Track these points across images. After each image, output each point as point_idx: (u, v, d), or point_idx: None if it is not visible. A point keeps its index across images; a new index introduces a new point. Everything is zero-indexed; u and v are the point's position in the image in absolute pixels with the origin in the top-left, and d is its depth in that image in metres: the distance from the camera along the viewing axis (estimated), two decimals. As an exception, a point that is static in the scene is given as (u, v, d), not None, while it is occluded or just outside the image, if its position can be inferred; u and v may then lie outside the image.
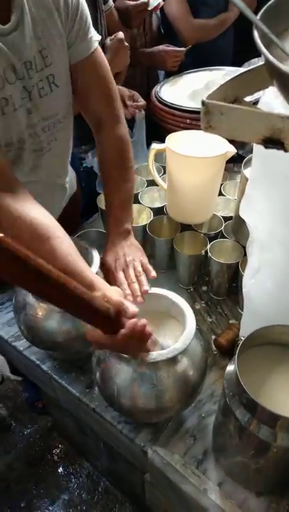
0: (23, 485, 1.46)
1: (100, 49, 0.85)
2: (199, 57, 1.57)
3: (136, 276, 0.79)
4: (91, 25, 0.82)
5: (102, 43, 1.19)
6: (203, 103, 0.36)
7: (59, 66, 0.79)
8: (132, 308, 0.57)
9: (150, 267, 0.82)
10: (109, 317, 0.52)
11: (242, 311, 0.90)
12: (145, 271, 0.81)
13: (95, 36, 0.83)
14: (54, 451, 1.54)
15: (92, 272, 0.64)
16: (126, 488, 1.33)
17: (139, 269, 0.81)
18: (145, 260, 0.84)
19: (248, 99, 0.45)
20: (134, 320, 0.55)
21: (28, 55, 0.72)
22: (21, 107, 0.75)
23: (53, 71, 0.78)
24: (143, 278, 0.79)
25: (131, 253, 0.84)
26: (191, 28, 1.58)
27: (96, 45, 0.83)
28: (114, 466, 1.19)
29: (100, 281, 0.62)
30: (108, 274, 0.82)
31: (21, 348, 0.87)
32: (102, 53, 0.86)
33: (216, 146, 0.87)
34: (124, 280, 0.79)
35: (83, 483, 1.45)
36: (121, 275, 0.80)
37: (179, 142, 0.88)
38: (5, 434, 1.61)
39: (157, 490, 0.77)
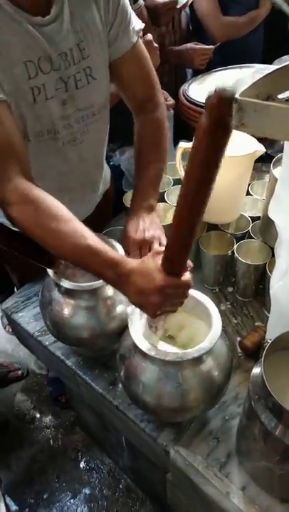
0: (45, 477, 1.48)
1: (140, 40, 0.86)
2: (228, 55, 1.55)
3: None
4: (132, 16, 0.84)
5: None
6: (235, 100, 0.35)
7: (96, 59, 0.80)
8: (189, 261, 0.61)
9: None
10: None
11: (268, 313, 0.88)
12: None
13: (137, 25, 0.84)
14: (76, 445, 1.56)
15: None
16: (147, 487, 1.33)
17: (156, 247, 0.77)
18: (164, 241, 0.78)
19: (280, 96, 0.44)
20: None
21: (65, 47, 0.74)
22: (55, 98, 0.77)
23: (90, 64, 0.79)
24: None
25: (151, 229, 0.80)
26: (221, 26, 1.56)
27: (137, 36, 0.84)
28: (136, 464, 1.20)
29: None
30: (128, 243, 0.79)
31: (46, 343, 0.89)
32: (144, 48, 0.87)
33: (244, 145, 0.85)
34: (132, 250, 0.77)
35: (105, 479, 1.46)
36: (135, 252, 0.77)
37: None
38: (29, 426, 1.64)
39: (179, 490, 0.77)
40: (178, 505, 0.85)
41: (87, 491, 1.44)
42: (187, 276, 0.60)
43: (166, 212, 1.02)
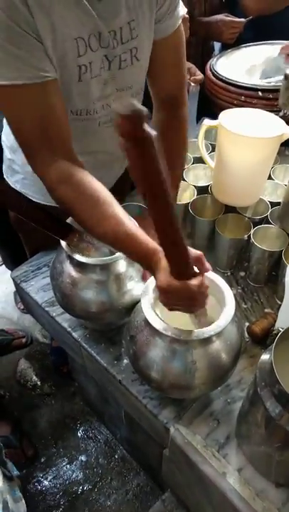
0: (43, 442, 1.53)
1: (181, 25, 0.82)
2: (260, 31, 1.47)
3: None
4: (180, 1, 0.80)
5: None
6: (286, 77, 0.33)
7: (144, 40, 0.77)
8: (208, 264, 0.59)
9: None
10: (189, 260, 0.54)
11: (279, 301, 0.87)
12: None
13: (182, 11, 0.80)
14: (75, 415, 1.60)
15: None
16: (142, 459, 1.37)
17: None
18: None
19: None
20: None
21: (116, 25, 0.70)
22: (98, 77, 0.74)
23: (137, 44, 0.76)
24: None
25: None
26: None
27: (180, 21, 0.81)
28: (133, 437, 1.22)
29: None
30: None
31: (54, 314, 0.89)
32: (182, 29, 0.83)
33: (271, 127, 0.82)
34: None
35: (101, 448, 1.50)
36: None
37: (232, 120, 0.84)
38: (30, 393, 1.68)
39: (175, 466, 0.78)
40: (172, 480, 0.87)
41: (83, 458, 1.48)
42: (195, 281, 0.56)
43: (183, 190, 1.00)
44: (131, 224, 0.63)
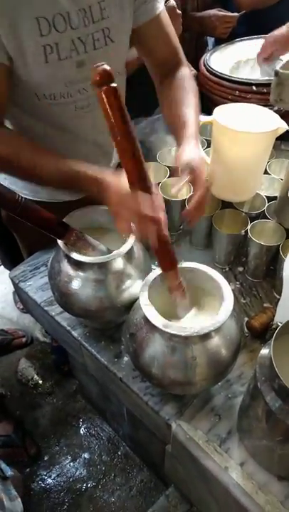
0: (47, 441, 1.53)
1: (165, 12, 0.85)
2: (253, 25, 1.47)
3: None
4: None
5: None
6: (276, 73, 0.33)
7: (116, 22, 0.77)
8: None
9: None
10: (146, 175, 0.62)
11: (278, 295, 0.87)
12: None
13: None
14: (77, 413, 1.60)
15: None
16: (145, 456, 1.38)
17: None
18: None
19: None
20: None
21: (84, 2, 0.71)
22: (69, 59, 0.74)
23: (109, 25, 0.76)
24: None
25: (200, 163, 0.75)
26: None
27: (162, 6, 0.84)
28: (136, 433, 1.23)
29: None
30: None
31: (53, 314, 0.89)
32: (168, 16, 0.86)
33: (266, 122, 0.82)
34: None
35: (104, 445, 1.51)
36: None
37: (227, 115, 0.84)
38: (32, 392, 1.68)
39: (177, 462, 0.79)
40: (175, 476, 0.88)
41: (86, 455, 1.49)
42: (146, 195, 0.61)
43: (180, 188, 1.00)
44: (71, 160, 0.71)
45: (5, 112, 0.78)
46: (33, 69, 0.72)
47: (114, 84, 0.52)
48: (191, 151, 0.76)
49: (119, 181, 0.65)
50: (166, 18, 0.86)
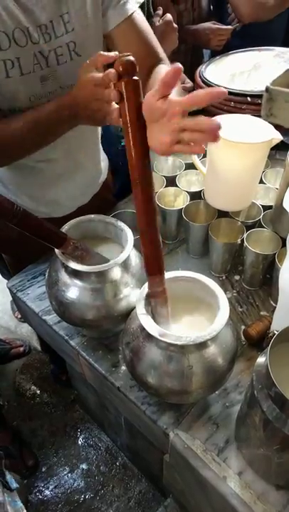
0: (44, 451, 1.52)
1: (139, 13, 0.81)
2: (247, 38, 1.50)
3: None
4: None
5: (150, 22, 1.15)
6: (267, 89, 0.34)
7: (83, 34, 0.75)
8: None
9: None
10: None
11: (275, 303, 0.88)
12: None
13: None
14: (75, 423, 1.59)
15: None
16: (143, 466, 1.36)
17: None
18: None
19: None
20: None
21: (44, 19, 0.70)
22: (32, 73, 0.73)
23: (74, 38, 0.74)
24: None
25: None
26: (252, 5, 1.44)
27: (135, 7, 0.80)
28: (134, 443, 1.22)
29: None
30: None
31: (51, 323, 0.89)
32: (142, 16, 0.82)
33: (261, 132, 0.83)
34: None
35: (102, 456, 1.50)
36: None
37: (223, 126, 0.85)
38: (29, 402, 1.67)
39: (176, 472, 0.78)
40: (173, 486, 0.87)
41: (84, 466, 1.48)
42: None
43: (176, 196, 1.01)
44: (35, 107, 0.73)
45: None
46: None
47: (136, 78, 0.51)
48: None
49: (78, 84, 0.68)
50: (139, 18, 0.81)
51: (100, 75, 0.62)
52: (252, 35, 1.52)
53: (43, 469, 1.48)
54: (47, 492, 1.43)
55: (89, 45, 0.78)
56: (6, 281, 1.10)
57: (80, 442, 1.54)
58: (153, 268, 0.62)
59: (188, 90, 1.25)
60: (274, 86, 0.35)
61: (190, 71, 1.48)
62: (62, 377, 1.68)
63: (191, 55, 1.62)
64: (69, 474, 1.47)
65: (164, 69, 0.82)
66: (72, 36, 0.74)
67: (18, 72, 0.72)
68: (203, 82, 1.27)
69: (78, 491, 1.42)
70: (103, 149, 1.10)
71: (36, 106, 0.76)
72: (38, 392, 1.70)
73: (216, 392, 0.74)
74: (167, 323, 0.66)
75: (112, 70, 0.55)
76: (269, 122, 0.69)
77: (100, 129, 1.00)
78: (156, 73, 0.83)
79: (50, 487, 1.44)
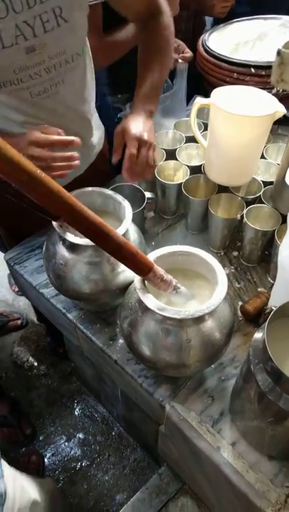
0: (42, 421, 1.56)
1: None
2: (253, 6, 1.43)
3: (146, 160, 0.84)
4: None
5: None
6: (278, 53, 0.32)
7: None
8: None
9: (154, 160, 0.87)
10: None
11: (272, 280, 0.88)
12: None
13: None
14: (72, 394, 1.63)
15: None
16: (139, 436, 1.40)
17: (151, 154, 0.85)
18: (152, 151, 0.86)
19: None
20: None
21: None
22: (15, 46, 0.70)
23: (60, 3, 0.71)
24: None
25: (150, 135, 0.84)
26: None
27: None
28: (130, 414, 1.25)
29: None
30: (118, 136, 0.84)
31: (48, 296, 0.89)
32: None
33: (264, 105, 0.81)
34: (135, 151, 0.82)
35: (98, 426, 1.53)
36: (134, 144, 0.82)
37: (225, 98, 0.83)
38: (27, 373, 1.70)
39: (171, 442, 0.80)
40: (168, 455, 0.90)
41: (80, 435, 1.52)
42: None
43: (176, 170, 1.00)
44: None
45: None
46: None
47: None
48: (129, 118, 0.85)
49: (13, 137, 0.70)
50: None
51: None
52: (257, 3, 1.46)
53: (41, 438, 1.52)
54: (44, 459, 1.47)
55: (75, 9, 0.74)
56: (2, 254, 1.10)
57: (76, 413, 1.58)
58: (141, 271, 0.60)
59: (188, 60, 1.21)
60: (287, 49, 0.33)
61: (192, 39, 1.43)
62: (60, 350, 1.70)
63: (193, 23, 1.56)
64: (66, 443, 1.51)
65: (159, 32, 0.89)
66: (58, 1, 0.71)
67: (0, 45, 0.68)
68: (206, 51, 1.22)
69: (75, 458, 1.47)
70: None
71: (22, 78, 0.75)
72: (36, 364, 1.73)
73: (212, 366, 0.75)
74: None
75: None
76: (278, 89, 0.67)
77: (93, 97, 0.98)
78: (152, 34, 0.89)
79: (48, 455, 1.48)
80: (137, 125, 0.83)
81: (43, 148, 0.70)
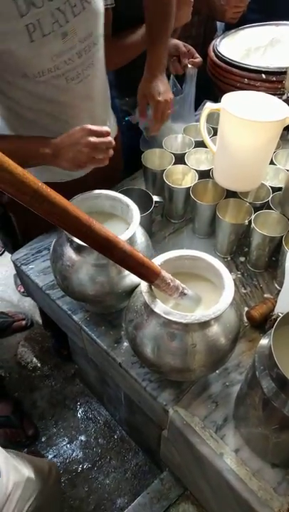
0: (44, 422, 1.56)
1: None
2: (265, 12, 1.43)
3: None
4: None
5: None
6: None
7: None
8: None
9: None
10: None
11: (279, 286, 0.88)
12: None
13: None
14: (75, 396, 1.62)
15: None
16: (141, 440, 1.40)
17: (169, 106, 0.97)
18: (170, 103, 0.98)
19: None
20: None
21: None
22: (53, 32, 0.74)
23: None
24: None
25: (168, 93, 0.98)
26: None
27: None
28: (132, 418, 1.24)
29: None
30: (143, 100, 0.98)
31: (54, 297, 0.89)
32: None
33: (274, 111, 0.81)
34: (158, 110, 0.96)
35: (100, 429, 1.53)
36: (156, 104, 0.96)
37: (235, 103, 0.83)
38: (30, 374, 1.70)
39: (173, 447, 0.80)
40: (170, 460, 0.89)
41: (83, 438, 1.51)
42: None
43: (184, 175, 1.00)
44: (15, 136, 0.84)
45: None
46: (19, 51, 0.71)
47: None
48: (147, 81, 0.97)
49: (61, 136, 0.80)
50: None
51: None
52: (269, 10, 1.45)
53: (43, 439, 1.52)
54: (46, 461, 1.47)
55: None
56: (9, 255, 1.10)
57: (79, 415, 1.57)
58: (149, 279, 0.60)
59: (197, 65, 1.21)
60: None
61: (202, 44, 1.43)
62: (64, 352, 1.70)
63: (204, 28, 1.56)
64: (68, 445, 1.50)
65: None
66: None
67: (40, 34, 0.72)
68: (217, 56, 1.22)
69: (77, 461, 1.46)
70: None
71: (58, 64, 0.79)
72: (39, 365, 1.73)
73: (217, 372, 0.75)
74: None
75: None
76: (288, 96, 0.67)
77: (108, 93, 1.03)
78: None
79: (50, 456, 1.48)
80: (157, 88, 0.96)
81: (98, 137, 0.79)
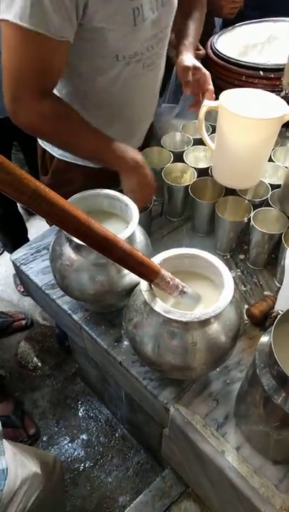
0: (46, 421, 1.56)
1: None
2: (263, 9, 1.43)
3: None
4: None
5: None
6: None
7: None
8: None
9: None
10: None
11: (279, 283, 0.88)
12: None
13: None
14: (76, 395, 1.63)
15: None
16: (142, 438, 1.40)
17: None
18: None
19: None
20: None
21: None
22: (148, 18, 0.77)
23: None
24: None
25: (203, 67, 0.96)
26: None
27: None
28: (134, 416, 1.24)
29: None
30: (185, 72, 0.92)
31: (54, 297, 0.89)
32: None
33: (272, 108, 0.81)
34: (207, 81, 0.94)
35: (102, 427, 1.53)
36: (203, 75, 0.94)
37: (233, 100, 0.83)
38: (31, 374, 1.70)
39: (174, 445, 0.80)
40: (171, 458, 0.89)
41: (84, 436, 1.52)
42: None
43: (183, 172, 0.99)
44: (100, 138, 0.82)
45: (56, 84, 0.80)
46: (123, 33, 0.75)
47: None
48: (190, 57, 0.94)
49: (136, 163, 0.81)
50: None
51: None
52: (266, 7, 1.45)
53: (44, 438, 1.52)
54: (48, 460, 1.47)
55: None
56: (9, 254, 1.10)
57: (80, 414, 1.58)
58: (148, 278, 0.59)
59: (201, 57, 1.21)
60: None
61: (201, 40, 1.42)
62: (66, 343, 1.69)
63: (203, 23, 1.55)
64: (69, 444, 1.51)
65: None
66: None
67: (141, 18, 0.75)
68: (215, 54, 1.22)
69: (78, 459, 1.47)
70: None
71: (143, 50, 0.82)
72: (40, 364, 1.73)
73: (217, 370, 0.75)
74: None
75: None
76: (286, 93, 0.67)
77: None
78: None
79: (51, 455, 1.48)
80: (192, 61, 0.94)
81: None
